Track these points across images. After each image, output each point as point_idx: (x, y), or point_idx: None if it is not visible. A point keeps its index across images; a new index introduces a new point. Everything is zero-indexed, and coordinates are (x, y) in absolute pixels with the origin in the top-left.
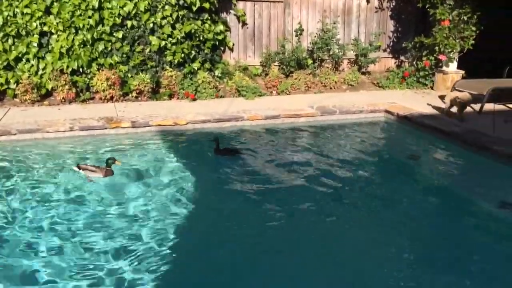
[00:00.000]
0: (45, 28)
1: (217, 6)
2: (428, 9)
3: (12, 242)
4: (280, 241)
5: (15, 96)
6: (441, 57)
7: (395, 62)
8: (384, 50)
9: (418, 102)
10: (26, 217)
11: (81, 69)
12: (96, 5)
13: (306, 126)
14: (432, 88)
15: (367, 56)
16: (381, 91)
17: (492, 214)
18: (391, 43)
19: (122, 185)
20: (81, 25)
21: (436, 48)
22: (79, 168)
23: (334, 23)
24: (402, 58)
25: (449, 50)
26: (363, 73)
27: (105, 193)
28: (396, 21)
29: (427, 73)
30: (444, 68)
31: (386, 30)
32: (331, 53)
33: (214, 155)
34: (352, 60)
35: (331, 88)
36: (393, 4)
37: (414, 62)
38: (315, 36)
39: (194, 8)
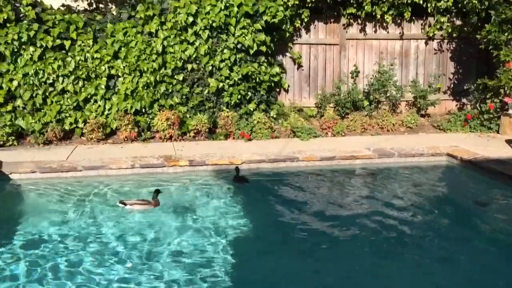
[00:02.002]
0: (113, 71)
1: (273, 49)
2: (491, 51)
3: None
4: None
5: (82, 134)
6: (506, 99)
7: (456, 105)
8: (445, 92)
9: (482, 146)
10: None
11: (143, 110)
12: (160, 50)
13: (363, 168)
14: (498, 132)
15: (426, 98)
16: (442, 134)
17: None
18: (452, 85)
19: (176, 221)
20: (145, 69)
21: (501, 90)
22: (125, 203)
23: (391, 65)
24: (464, 100)
25: None
26: (422, 116)
27: (156, 227)
28: (456, 63)
29: (491, 116)
30: (510, 111)
31: (446, 71)
32: (388, 95)
33: (233, 181)
34: (410, 102)
35: (388, 130)
36: (453, 45)
37: (477, 105)
38: (371, 78)
39: (252, 51)
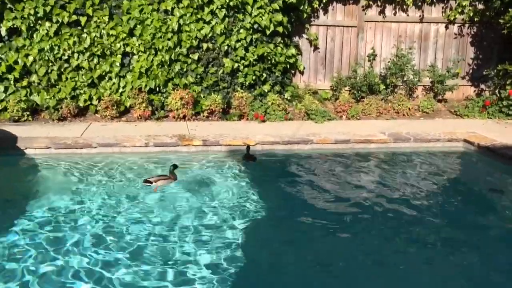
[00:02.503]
0: (128, 49)
1: (290, 30)
2: None
3: None
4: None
5: (96, 112)
6: None
7: (474, 90)
8: (463, 78)
9: (500, 132)
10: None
11: (157, 89)
12: (176, 28)
13: (378, 152)
14: None
15: (444, 83)
16: (458, 120)
17: None
18: (471, 71)
19: (191, 199)
20: (160, 47)
21: None
22: (150, 182)
23: (410, 49)
24: (482, 86)
25: None
26: (439, 101)
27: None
28: (477, 48)
29: (511, 102)
30: None
31: (465, 56)
32: (405, 79)
33: (243, 159)
34: (427, 87)
35: (404, 115)
36: (474, 30)
37: (497, 91)
38: (388, 62)
39: (268, 32)
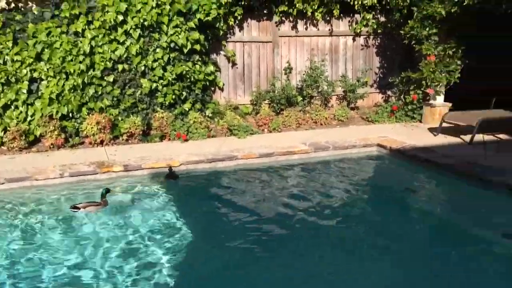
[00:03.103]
0: (35, 74)
1: (207, 47)
2: (414, 45)
3: None
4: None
5: (2, 144)
6: (428, 90)
7: (382, 97)
8: (371, 86)
9: (408, 135)
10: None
11: (70, 114)
12: (88, 50)
13: (301, 163)
14: (420, 121)
15: (355, 92)
16: (371, 126)
17: (493, 244)
18: (378, 79)
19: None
20: (71, 70)
21: (423, 82)
22: (78, 208)
23: (322, 61)
24: (389, 92)
25: (436, 83)
26: (352, 109)
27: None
28: (381, 58)
29: (415, 106)
30: (431, 101)
31: (372, 66)
32: (320, 90)
33: (165, 179)
34: (340, 96)
35: (321, 124)
36: (378, 41)
37: (402, 96)
38: (304, 74)
39: (185, 50)
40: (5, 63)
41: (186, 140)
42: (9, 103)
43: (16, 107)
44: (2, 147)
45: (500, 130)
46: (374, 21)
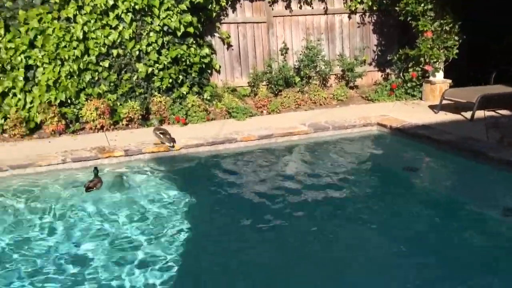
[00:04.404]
0: (30, 62)
1: (201, 30)
2: (410, 21)
3: None
4: (278, 262)
5: (3, 131)
6: (427, 67)
7: (381, 75)
8: (370, 64)
9: (409, 113)
10: None
11: (69, 100)
12: (81, 36)
13: (301, 143)
14: (421, 98)
15: (354, 71)
16: (370, 104)
17: (495, 221)
18: (376, 57)
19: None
20: (66, 57)
21: (422, 59)
22: (91, 188)
23: (318, 40)
24: (388, 70)
25: (434, 60)
26: (351, 88)
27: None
28: (379, 35)
29: (414, 84)
30: (431, 78)
31: (370, 44)
32: (317, 69)
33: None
34: (339, 75)
35: (321, 104)
36: (375, 18)
37: (401, 74)
38: (300, 54)
39: (179, 33)
40: None
41: (185, 124)
42: (6, 90)
43: (14, 94)
44: (4, 134)
45: (501, 106)
46: None
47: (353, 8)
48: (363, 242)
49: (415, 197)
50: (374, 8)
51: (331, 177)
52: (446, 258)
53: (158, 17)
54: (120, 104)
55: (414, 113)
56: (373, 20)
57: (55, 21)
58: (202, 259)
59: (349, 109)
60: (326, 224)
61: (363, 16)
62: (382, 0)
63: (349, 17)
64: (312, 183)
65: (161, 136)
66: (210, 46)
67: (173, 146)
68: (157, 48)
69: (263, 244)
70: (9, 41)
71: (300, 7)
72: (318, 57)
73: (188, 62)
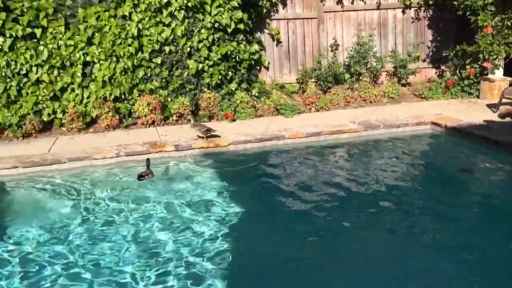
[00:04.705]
0: (88, 58)
1: (251, 26)
2: (469, 16)
3: None
4: (325, 263)
5: (62, 125)
6: (486, 64)
7: (436, 72)
8: (424, 60)
9: (465, 112)
10: None
11: (123, 96)
12: (135, 33)
13: (350, 142)
14: (478, 96)
15: (407, 68)
16: (424, 102)
17: None
18: (431, 53)
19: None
20: (121, 53)
21: (480, 55)
22: (143, 176)
23: (370, 36)
24: (443, 67)
25: (494, 57)
26: (403, 85)
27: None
28: (434, 30)
29: (472, 81)
30: (490, 75)
31: (424, 40)
32: (368, 66)
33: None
34: (390, 72)
35: (371, 102)
36: (430, 13)
37: (457, 71)
38: (351, 50)
39: (229, 30)
40: (59, 47)
41: (234, 120)
42: (65, 86)
43: (72, 89)
44: (62, 128)
45: None
46: None
47: (407, 3)
48: (414, 251)
49: (473, 200)
50: (430, 2)
51: (382, 177)
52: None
53: (210, 14)
54: (171, 100)
55: (471, 112)
56: (428, 15)
57: (112, 19)
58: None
59: (401, 107)
60: (375, 228)
61: (418, 10)
62: None
63: (403, 12)
64: (362, 183)
65: (197, 127)
66: (259, 42)
67: (204, 137)
68: (207, 45)
69: (303, 249)
70: (69, 38)
71: (352, 2)
72: (369, 53)
73: (237, 59)
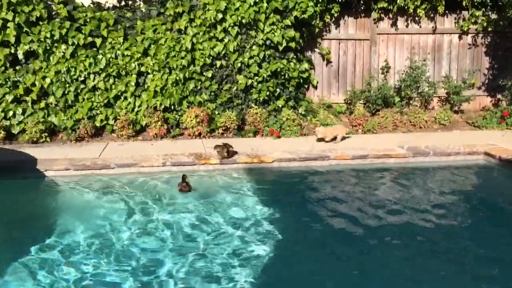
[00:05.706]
0: (142, 69)
1: (302, 45)
2: None
3: None
4: None
5: (112, 131)
6: None
7: (491, 101)
8: (479, 88)
9: None
10: None
11: (172, 107)
12: (189, 47)
13: (397, 167)
14: None
15: (460, 94)
16: (477, 131)
17: None
18: (487, 81)
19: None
20: (174, 66)
21: None
22: (181, 190)
23: (424, 60)
24: (499, 96)
25: None
26: (456, 112)
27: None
28: (492, 58)
29: None
30: None
31: (481, 67)
32: (420, 90)
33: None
34: (443, 98)
35: (420, 127)
36: (488, 40)
37: None
38: (402, 74)
39: (281, 48)
40: (116, 57)
41: (279, 137)
42: (119, 94)
43: (125, 98)
44: (113, 134)
45: None
46: (484, 18)
47: (465, 29)
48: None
49: None
50: (489, 29)
51: (428, 207)
52: None
53: (262, 31)
54: (218, 113)
55: None
56: (486, 42)
57: (168, 32)
58: (283, 262)
59: (452, 135)
60: (416, 260)
61: (476, 37)
62: (498, 21)
63: (460, 38)
64: (406, 211)
65: (219, 149)
66: (309, 61)
67: (223, 158)
68: (258, 61)
69: (340, 271)
70: (126, 48)
71: (407, 26)
72: (421, 78)
73: (286, 76)
